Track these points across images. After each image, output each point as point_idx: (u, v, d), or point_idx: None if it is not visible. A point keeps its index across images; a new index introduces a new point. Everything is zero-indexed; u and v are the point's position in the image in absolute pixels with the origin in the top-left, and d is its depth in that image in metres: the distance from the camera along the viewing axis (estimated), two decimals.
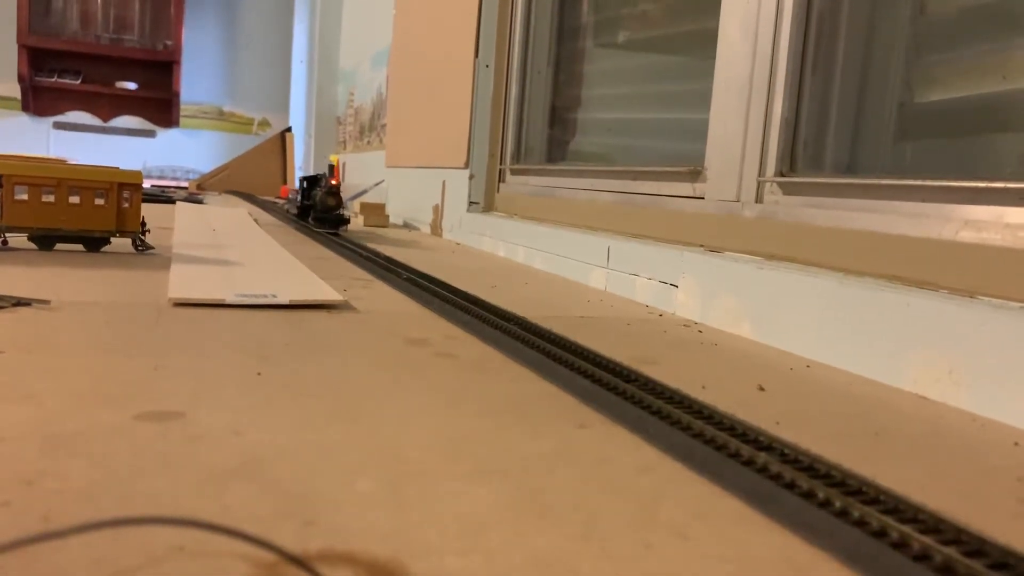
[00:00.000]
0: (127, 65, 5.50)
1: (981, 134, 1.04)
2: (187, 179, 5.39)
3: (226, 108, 6.06)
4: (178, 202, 2.91)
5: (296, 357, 0.76)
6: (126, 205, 1.39)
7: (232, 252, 1.50)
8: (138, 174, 1.40)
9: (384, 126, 3.33)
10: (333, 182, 2.03)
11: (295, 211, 2.33)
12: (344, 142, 4.38)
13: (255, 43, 5.97)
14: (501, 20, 2.19)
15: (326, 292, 1.09)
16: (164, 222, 1.97)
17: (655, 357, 0.88)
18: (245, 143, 5.55)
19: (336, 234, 2.00)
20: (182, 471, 0.46)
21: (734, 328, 1.08)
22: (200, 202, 3.14)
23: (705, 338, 1.03)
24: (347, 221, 2.10)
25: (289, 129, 4.94)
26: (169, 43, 5.51)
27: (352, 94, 4.23)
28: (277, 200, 3.85)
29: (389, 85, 3.22)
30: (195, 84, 5.82)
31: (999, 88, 1.01)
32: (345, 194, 3.24)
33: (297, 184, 2.33)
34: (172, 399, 0.60)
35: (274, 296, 1.01)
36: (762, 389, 0.77)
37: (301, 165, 5.18)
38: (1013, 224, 0.82)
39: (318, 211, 2.07)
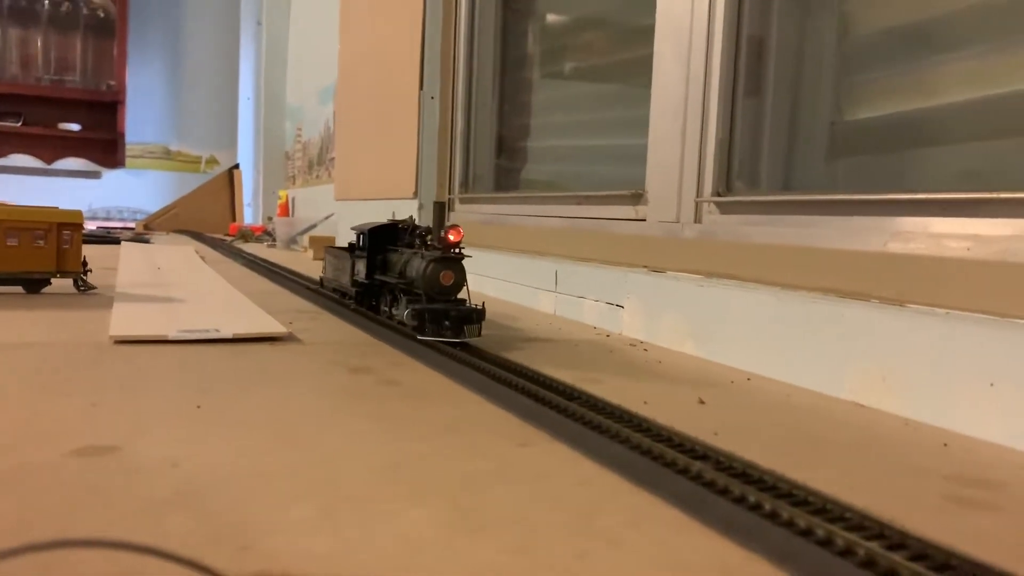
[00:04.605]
0: (70, 106, 5.42)
1: (907, 149, 1.08)
2: (134, 219, 5.31)
3: (173, 147, 6.00)
4: (123, 242, 2.87)
5: (237, 389, 0.75)
6: (66, 246, 1.37)
7: (177, 289, 1.48)
8: (78, 213, 1.38)
9: (332, 160, 3.33)
10: (452, 236, 1.02)
11: (349, 285, 1.30)
12: (293, 177, 4.36)
13: (201, 81, 5.94)
14: (444, 52, 2.22)
15: (270, 325, 1.09)
16: (108, 262, 1.94)
17: (600, 376, 0.89)
18: (193, 181, 5.49)
19: (462, 345, 0.98)
20: (117, 504, 0.45)
21: (678, 345, 1.09)
22: (147, 242, 3.10)
23: (650, 356, 1.05)
24: (482, 316, 1.01)
25: (237, 166, 4.92)
26: (112, 83, 5.45)
27: (300, 129, 4.23)
28: (226, 238, 3.82)
29: (336, 119, 3.22)
30: (141, 124, 5.76)
31: (922, 104, 1.05)
32: (296, 228, 3.23)
33: (356, 239, 1.25)
34: (108, 434, 0.59)
35: (217, 331, 1.01)
36: (702, 402, 0.78)
37: (250, 201, 5.15)
38: (938, 234, 0.85)
39: (424, 301, 1.01)
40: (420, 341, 0.98)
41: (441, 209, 1.11)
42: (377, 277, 1.18)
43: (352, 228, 1.28)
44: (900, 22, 1.09)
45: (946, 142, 1.02)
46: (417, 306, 0.99)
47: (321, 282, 1.52)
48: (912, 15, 1.06)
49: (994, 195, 0.79)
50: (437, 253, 1.02)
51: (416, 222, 1.19)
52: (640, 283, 1.21)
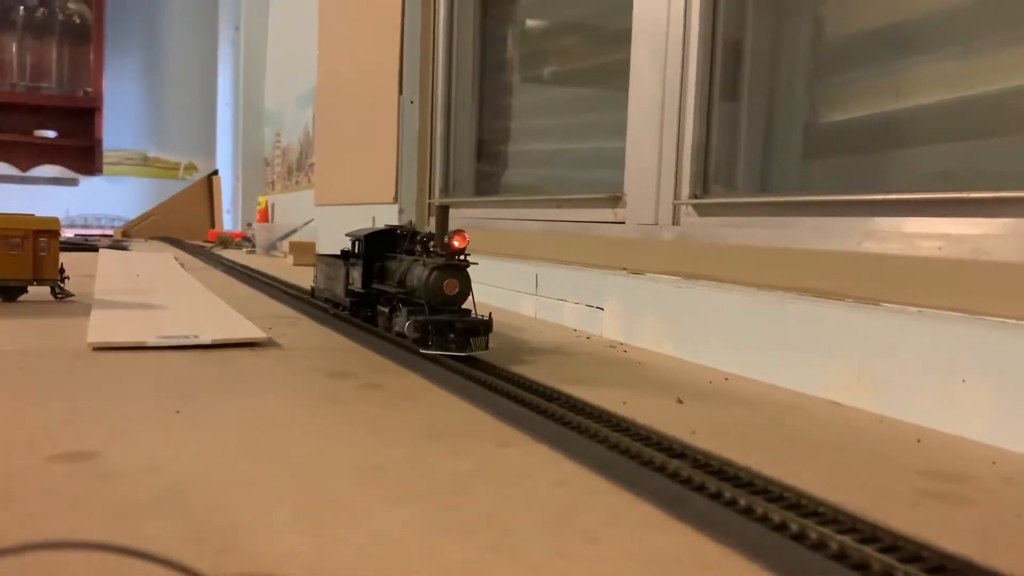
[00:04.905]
0: (46, 113, 5.38)
1: (881, 150, 1.10)
2: (112, 227, 5.27)
3: (151, 153, 5.97)
4: (101, 249, 2.85)
5: (217, 394, 0.75)
6: (43, 253, 1.36)
7: (156, 296, 1.48)
8: (55, 221, 1.37)
9: (312, 165, 3.32)
10: (457, 242, 0.96)
11: (343, 294, 1.20)
12: (273, 183, 4.35)
13: (179, 87, 5.91)
14: (424, 57, 2.22)
15: (250, 330, 1.08)
16: (86, 270, 1.93)
17: (580, 377, 0.90)
18: (171, 188, 5.46)
19: (467, 358, 0.92)
20: (96, 508, 0.45)
21: (657, 346, 1.10)
22: (125, 249, 3.08)
23: (630, 357, 1.05)
24: (489, 328, 0.95)
25: (216, 172, 4.89)
26: (89, 90, 5.42)
27: (279, 135, 4.22)
28: (205, 244, 3.80)
29: (315, 125, 3.22)
30: (118, 130, 5.72)
31: (894, 106, 1.07)
32: (276, 234, 3.22)
33: (351, 246, 1.18)
34: (87, 440, 0.59)
35: (196, 336, 1.00)
36: (680, 402, 0.79)
37: (229, 208, 5.13)
38: (910, 233, 0.87)
39: (426, 311, 0.94)
40: (423, 355, 0.92)
41: (444, 213, 1.02)
42: (374, 286, 1.11)
43: (346, 234, 1.21)
44: (873, 25, 1.11)
45: (919, 143, 1.03)
46: (419, 317, 0.92)
47: (312, 292, 1.42)
48: (885, 18, 1.08)
49: (964, 195, 0.81)
50: (440, 260, 0.95)
51: (415, 227, 1.12)
52: (619, 285, 1.21)
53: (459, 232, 0.96)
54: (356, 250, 1.16)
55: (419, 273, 0.96)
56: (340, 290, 1.21)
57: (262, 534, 0.43)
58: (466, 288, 0.96)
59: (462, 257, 0.97)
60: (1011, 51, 0.90)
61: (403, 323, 0.96)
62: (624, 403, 0.76)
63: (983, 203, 0.79)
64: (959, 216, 0.81)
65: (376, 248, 1.13)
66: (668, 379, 0.92)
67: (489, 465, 0.57)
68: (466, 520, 0.46)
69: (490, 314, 0.95)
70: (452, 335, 0.92)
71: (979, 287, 0.76)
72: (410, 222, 1.16)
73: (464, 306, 0.97)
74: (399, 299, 1.01)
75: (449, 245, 0.96)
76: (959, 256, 0.79)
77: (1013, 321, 0.70)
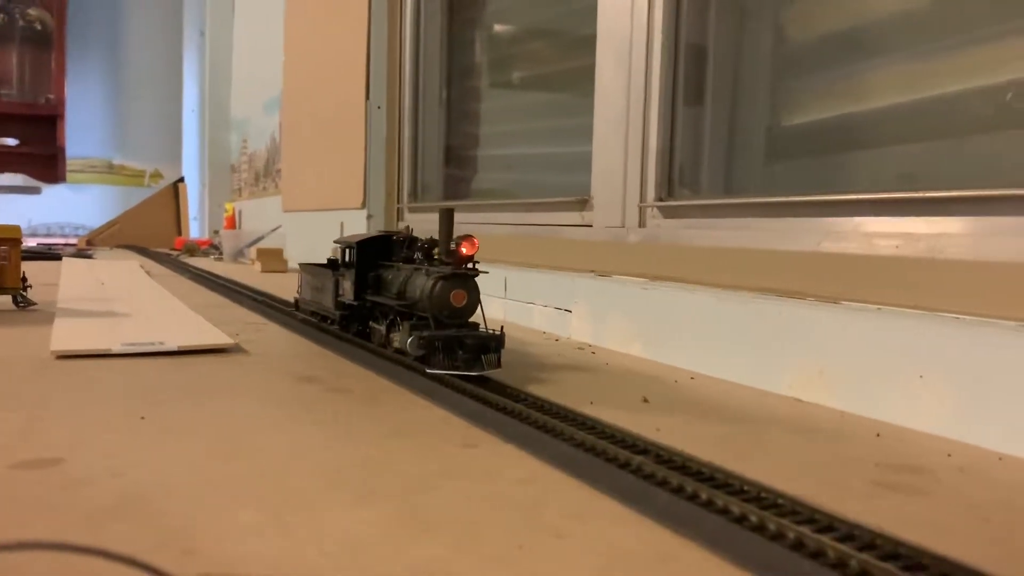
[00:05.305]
0: (6, 120, 5.29)
1: (841, 152, 1.12)
2: (76, 235, 5.20)
3: (116, 161, 5.89)
4: (65, 258, 2.81)
5: (183, 400, 0.75)
6: (4, 262, 1.34)
7: (121, 304, 1.46)
8: (16, 228, 1.36)
9: (279, 171, 3.31)
10: (465, 249, 0.87)
11: (332, 307, 1.11)
12: (240, 189, 4.32)
13: (144, 94, 5.85)
14: (391, 63, 2.22)
15: (216, 336, 1.08)
16: (49, 278, 1.90)
17: (548, 379, 0.90)
18: (137, 196, 5.40)
19: (481, 379, 0.82)
20: (60, 514, 0.45)
21: (625, 347, 1.11)
22: (89, 257, 3.04)
23: (598, 358, 1.06)
24: (501, 343, 0.86)
25: (182, 179, 4.85)
26: (51, 96, 5.34)
27: (245, 141, 4.19)
28: (172, 252, 3.77)
29: (283, 131, 3.20)
30: (82, 138, 5.64)
31: (853, 109, 1.09)
32: (243, 241, 3.20)
33: (340, 254, 1.10)
34: (51, 447, 0.58)
35: (162, 343, 1.00)
36: (646, 401, 0.80)
37: (196, 215, 5.08)
38: (869, 233, 0.88)
39: (431, 326, 0.86)
40: (429, 375, 0.83)
41: (449, 216, 0.91)
42: (369, 298, 1.01)
43: (335, 241, 1.12)
44: (833, 29, 1.13)
45: (878, 145, 1.05)
46: (424, 333, 0.83)
47: (296, 304, 1.31)
48: (844, 22, 1.10)
49: (920, 195, 0.83)
50: (446, 269, 0.87)
51: (413, 232, 1.02)
52: (587, 287, 1.22)
53: (468, 237, 0.86)
54: (347, 258, 1.06)
55: (422, 283, 0.88)
56: (328, 302, 1.12)
57: (226, 536, 0.43)
58: (475, 300, 0.87)
59: (471, 265, 0.88)
60: (964, 54, 0.92)
61: (404, 339, 0.85)
62: (591, 403, 0.76)
63: (938, 202, 0.81)
64: (915, 215, 0.83)
65: (370, 256, 1.03)
66: (634, 379, 0.92)
67: (455, 465, 0.57)
68: (430, 519, 0.46)
69: (502, 328, 0.86)
70: (461, 352, 0.83)
71: (935, 285, 0.78)
72: (407, 227, 1.04)
73: (471, 319, 0.88)
74: (398, 312, 0.92)
75: (457, 252, 0.86)
76: (916, 255, 0.81)
77: (968, 317, 0.72)
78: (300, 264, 1.31)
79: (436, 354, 0.83)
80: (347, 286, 1.05)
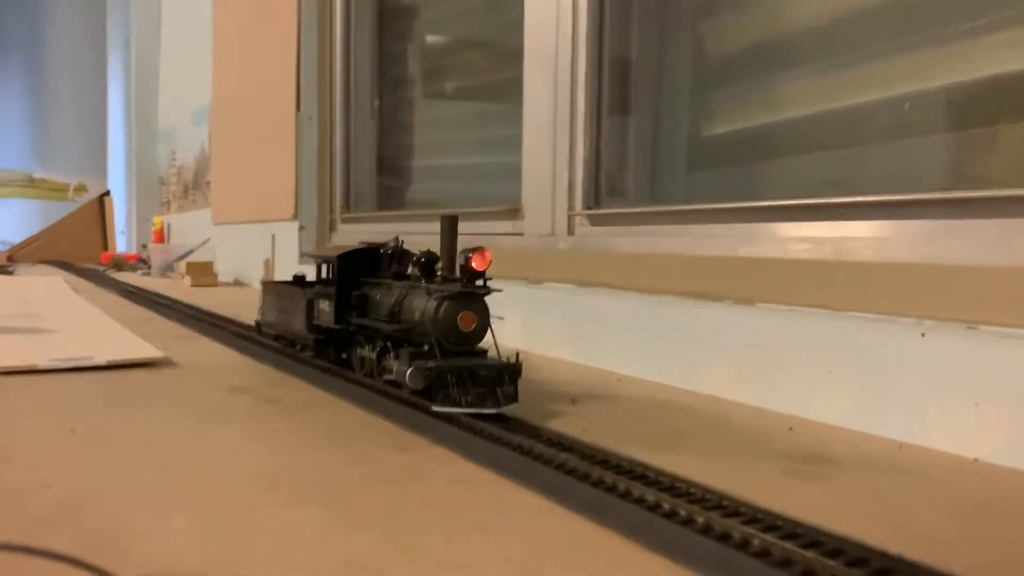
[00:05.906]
0: None
1: (759, 160, 1.17)
2: None
3: (37, 174, 5.72)
4: None
5: (113, 413, 0.75)
6: None
7: (46, 320, 1.43)
8: None
9: (209, 184, 3.26)
10: (476, 263, 0.74)
11: (304, 331, 0.97)
12: (168, 202, 4.24)
13: (66, 104, 5.69)
14: (321, 74, 2.22)
15: (146, 350, 1.07)
16: None
17: None
18: (61, 210, 5.24)
19: (499, 418, 0.70)
20: None
21: (557, 352, 1.14)
22: (11, 273, 2.96)
23: (530, 364, 1.08)
24: (517, 374, 0.74)
25: (108, 193, 4.74)
26: None
27: (174, 153, 4.12)
28: (98, 267, 3.68)
29: (212, 142, 3.16)
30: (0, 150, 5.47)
31: (769, 119, 1.14)
32: (172, 255, 3.15)
33: (317, 270, 0.99)
34: None
35: (91, 358, 0.99)
36: (574, 403, 0.82)
37: (123, 229, 4.96)
38: (783, 238, 0.93)
39: (436, 355, 0.74)
40: (434, 413, 0.71)
41: (453, 225, 0.80)
42: (353, 320, 0.88)
43: (309, 254, 0.99)
44: (750, 42, 1.18)
45: (794, 153, 1.11)
46: (428, 363, 0.71)
47: (258, 327, 1.16)
48: (760, 35, 1.15)
49: (827, 200, 0.87)
50: (452, 287, 0.74)
51: (401, 244, 0.90)
52: (519, 295, 1.25)
53: (479, 250, 0.74)
54: (326, 275, 0.95)
55: (422, 304, 0.76)
56: (298, 325, 0.97)
57: (159, 539, 0.44)
58: (484, 323, 0.75)
59: (481, 282, 0.75)
60: (871, 66, 0.97)
61: (403, 370, 0.72)
62: (519, 405, 0.79)
63: (844, 208, 0.86)
64: (823, 220, 0.88)
65: (352, 272, 0.91)
66: (564, 382, 0.95)
67: (387, 468, 0.59)
68: (361, 518, 0.48)
69: (518, 355, 0.74)
70: (472, 385, 0.71)
71: (842, 285, 0.82)
72: (396, 238, 0.91)
73: (480, 345, 0.76)
74: (388, 337, 0.82)
75: (467, 267, 0.74)
76: (824, 257, 0.86)
77: (872, 315, 0.77)
78: (263, 282, 1.20)
79: (443, 388, 0.71)
80: (325, 307, 0.92)
